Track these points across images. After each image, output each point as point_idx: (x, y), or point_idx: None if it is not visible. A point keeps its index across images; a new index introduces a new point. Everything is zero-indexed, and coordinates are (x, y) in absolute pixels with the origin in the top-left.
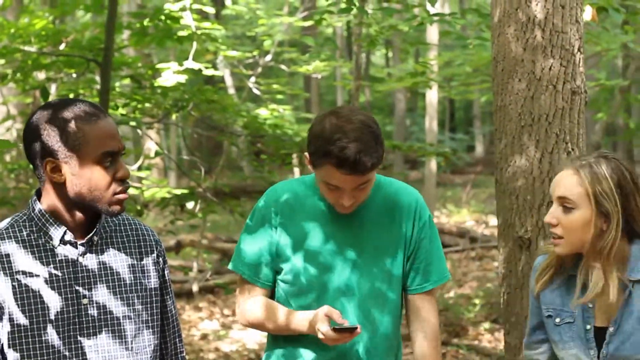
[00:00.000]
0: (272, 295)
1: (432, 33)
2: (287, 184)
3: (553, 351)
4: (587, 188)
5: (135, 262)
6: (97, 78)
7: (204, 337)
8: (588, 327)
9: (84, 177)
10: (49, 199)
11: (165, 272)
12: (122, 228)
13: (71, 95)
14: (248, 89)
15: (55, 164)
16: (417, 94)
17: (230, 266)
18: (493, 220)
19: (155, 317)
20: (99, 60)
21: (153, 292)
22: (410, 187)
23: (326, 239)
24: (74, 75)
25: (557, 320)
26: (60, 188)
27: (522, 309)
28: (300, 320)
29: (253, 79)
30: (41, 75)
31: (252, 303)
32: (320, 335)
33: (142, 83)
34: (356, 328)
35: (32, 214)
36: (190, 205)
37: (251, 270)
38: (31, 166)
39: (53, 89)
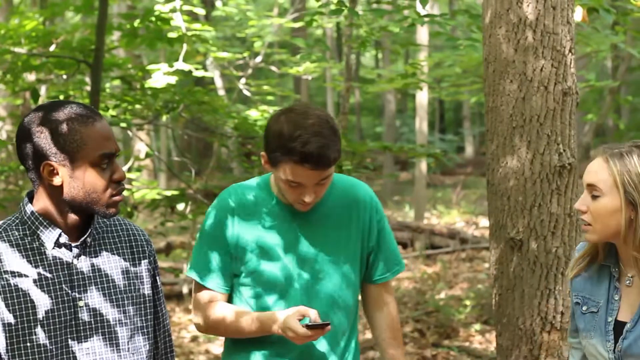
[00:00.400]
0: (229, 299)
1: (422, 34)
2: (239, 187)
3: None
4: (615, 176)
5: (129, 265)
6: (88, 79)
7: (194, 339)
8: (610, 319)
9: (81, 180)
10: (43, 202)
11: (156, 272)
12: (114, 229)
13: (61, 97)
14: (238, 90)
15: (52, 166)
16: (407, 95)
17: (187, 273)
18: (483, 221)
19: (148, 321)
20: (89, 62)
21: (147, 296)
22: (361, 181)
23: (285, 239)
24: (64, 76)
25: (584, 308)
26: (56, 191)
27: (514, 310)
28: (266, 321)
29: (243, 80)
30: (31, 77)
31: (212, 308)
32: (290, 334)
33: (132, 84)
34: (328, 324)
35: (25, 217)
36: (180, 206)
37: (209, 276)
38: (22, 168)
39: (43, 90)
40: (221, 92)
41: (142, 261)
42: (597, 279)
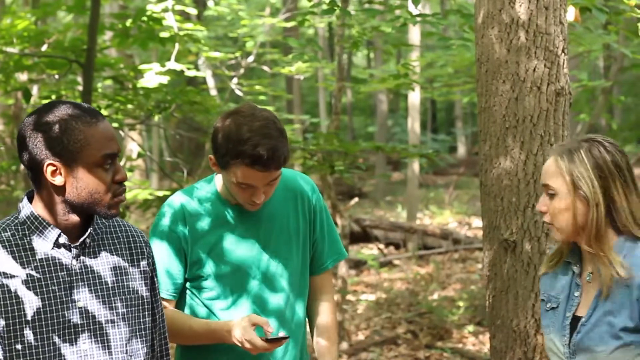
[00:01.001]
0: (181, 305)
1: (414, 34)
2: (185, 193)
3: None
4: (564, 173)
5: (127, 266)
6: (80, 79)
7: None
8: (568, 314)
9: (85, 180)
10: (43, 202)
11: (154, 274)
12: (112, 230)
13: (53, 97)
14: (230, 90)
15: (55, 166)
16: (399, 95)
17: None
18: (476, 222)
19: (146, 323)
20: (81, 62)
21: (145, 299)
22: (302, 173)
23: (238, 240)
24: (56, 76)
25: (547, 305)
26: (57, 191)
27: (508, 311)
28: (219, 330)
29: (235, 80)
30: (23, 77)
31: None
32: (247, 346)
33: (124, 84)
34: (287, 338)
35: (23, 218)
36: None
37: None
38: (14, 168)
39: (35, 90)
40: (213, 92)
41: (141, 262)
42: (561, 277)
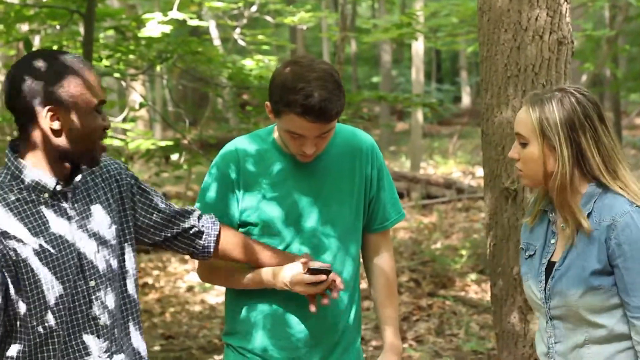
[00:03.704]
0: None
1: None
2: (243, 139)
3: None
4: (534, 122)
5: (111, 202)
6: (81, 29)
7: (190, 289)
8: (543, 261)
9: (83, 125)
10: (39, 151)
11: (138, 182)
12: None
13: (55, 47)
14: (233, 40)
15: (54, 112)
16: (403, 45)
17: None
18: (480, 171)
19: (133, 243)
20: (82, 12)
21: (132, 233)
22: (362, 130)
23: (290, 190)
24: (58, 27)
25: (527, 253)
26: (54, 137)
27: (508, 260)
28: (268, 276)
29: (238, 30)
30: (24, 27)
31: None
32: (297, 288)
33: (126, 34)
34: (329, 270)
35: (16, 172)
36: (175, 157)
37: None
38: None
39: (36, 40)
40: (216, 42)
41: (123, 194)
42: (539, 225)
